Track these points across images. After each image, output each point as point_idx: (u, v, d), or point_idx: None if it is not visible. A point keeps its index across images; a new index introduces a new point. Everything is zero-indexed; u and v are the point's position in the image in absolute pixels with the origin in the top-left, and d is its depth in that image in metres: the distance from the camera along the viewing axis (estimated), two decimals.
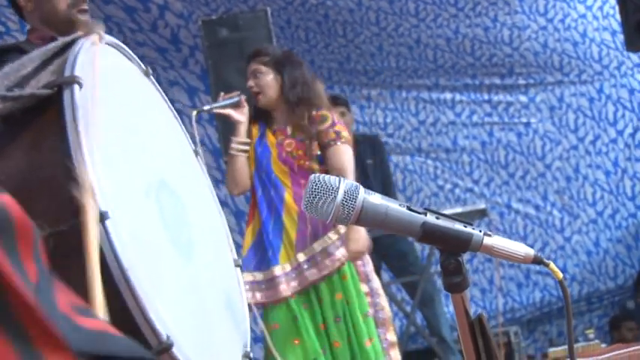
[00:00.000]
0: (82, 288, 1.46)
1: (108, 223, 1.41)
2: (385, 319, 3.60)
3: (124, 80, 1.84)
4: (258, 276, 3.52)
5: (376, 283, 3.65)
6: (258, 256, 3.55)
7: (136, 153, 1.72)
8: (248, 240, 3.62)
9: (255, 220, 3.62)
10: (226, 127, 4.15)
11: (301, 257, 3.48)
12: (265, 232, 3.56)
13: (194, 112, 3.38)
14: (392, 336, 3.63)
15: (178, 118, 2.11)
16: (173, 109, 2.09)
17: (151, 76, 1.97)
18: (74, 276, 1.46)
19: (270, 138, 3.64)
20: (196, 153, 2.17)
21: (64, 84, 1.52)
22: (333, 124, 3.58)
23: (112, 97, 1.70)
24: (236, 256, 2.21)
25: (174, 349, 1.48)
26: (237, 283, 2.17)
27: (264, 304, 3.54)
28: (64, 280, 1.44)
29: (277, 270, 3.49)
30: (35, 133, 1.55)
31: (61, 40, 1.69)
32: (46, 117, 1.55)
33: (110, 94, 1.68)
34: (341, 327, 3.48)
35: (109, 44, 1.78)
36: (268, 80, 3.60)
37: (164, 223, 1.70)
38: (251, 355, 2.01)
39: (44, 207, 1.46)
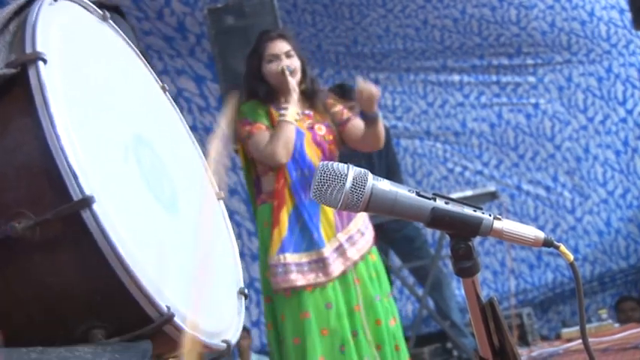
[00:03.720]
0: (73, 273, 1.47)
1: (95, 207, 1.40)
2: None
3: (84, 37, 1.78)
4: (302, 257, 3.48)
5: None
6: (297, 238, 3.50)
7: (109, 115, 1.68)
8: (284, 224, 3.53)
9: (289, 202, 3.58)
10: None
11: (342, 237, 3.51)
12: (306, 213, 3.53)
13: (284, 67, 3.52)
14: None
15: (142, 58, 2.05)
16: (135, 48, 2.03)
17: (109, 21, 1.91)
18: (64, 265, 1.47)
19: (298, 122, 3.64)
20: (164, 89, 2.13)
21: (27, 62, 1.47)
22: (343, 108, 3.66)
23: (76, 61, 1.65)
24: (218, 190, 2.17)
25: (176, 319, 1.49)
26: (222, 218, 2.15)
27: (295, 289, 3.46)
28: (54, 269, 1.45)
29: (326, 251, 3.47)
30: (4, 116, 1.50)
31: (15, 3, 1.62)
32: (12, 98, 1.50)
33: (73, 58, 1.63)
34: (380, 305, 3.53)
35: None
36: (298, 65, 3.62)
37: (147, 184, 1.68)
38: (245, 291, 2.01)
39: (25, 194, 1.44)
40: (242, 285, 2.01)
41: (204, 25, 5.73)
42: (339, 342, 3.42)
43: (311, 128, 3.62)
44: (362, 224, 3.58)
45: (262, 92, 3.62)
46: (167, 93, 2.12)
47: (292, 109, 3.52)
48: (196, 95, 6.49)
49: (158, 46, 6.22)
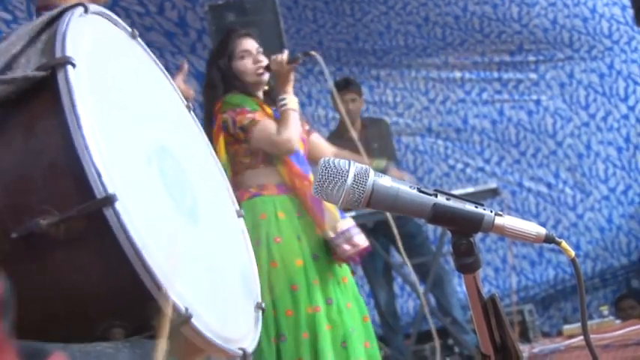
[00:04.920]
0: (95, 271, 1.48)
1: (117, 205, 1.42)
2: None
3: (112, 49, 1.83)
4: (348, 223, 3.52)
5: None
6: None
7: (133, 123, 1.72)
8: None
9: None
10: None
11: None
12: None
13: (313, 53, 3.58)
14: None
15: (169, 77, 2.10)
16: (163, 68, 2.07)
17: (138, 38, 1.95)
18: (87, 263, 1.48)
19: None
20: (189, 108, 2.16)
21: (57, 65, 1.51)
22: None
23: (104, 68, 1.69)
24: (238, 207, 2.22)
25: (194, 320, 1.50)
26: (242, 233, 2.18)
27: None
28: (77, 266, 1.46)
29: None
30: (31, 118, 1.54)
31: (48, 14, 1.67)
32: (41, 100, 1.54)
33: (101, 65, 1.67)
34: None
35: (94, 13, 1.76)
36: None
37: (168, 191, 1.71)
38: (263, 305, 2.03)
39: (50, 193, 1.47)
40: (259, 300, 2.03)
41: (204, 21, 5.73)
42: (341, 338, 3.42)
43: None
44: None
45: (241, 87, 3.60)
46: (192, 112, 2.16)
47: (294, 98, 3.54)
48: (197, 92, 6.49)
49: (159, 43, 6.22)
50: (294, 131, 3.46)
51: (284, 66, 3.52)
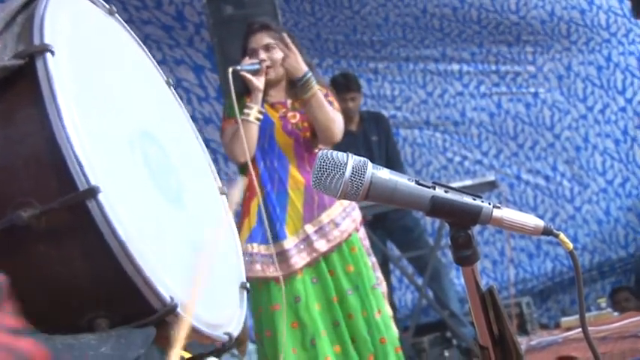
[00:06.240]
0: (78, 263, 1.47)
1: (100, 197, 1.41)
2: (384, 292, 3.68)
3: (91, 30, 1.79)
4: (266, 249, 3.50)
5: (374, 257, 3.75)
6: (263, 230, 3.53)
7: (115, 109, 1.70)
8: (253, 215, 3.57)
9: (259, 193, 3.59)
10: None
11: (309, 229, 3.50)
12: (271, 205, 3.54)
13: (230, 70, 3.43)
14: (389, 309, 3.72)
15: (147, 52, 2.08)
16: (141, 43, 2.04)
17: (116, 15, 1.92)
18: (70, 254, 1.47)
19: (270, 111, 3.63)
20: (169, 84, 2.14)
21: (35, 53, 1.48)
22: (327, 95, 3.61)
23: (83, 53, 1.66)
24: (220, 184, 2.21)
25: (179, 309, 1.50)
26: (224, 212, 2.17)
27: (274, 279, 3.50)
28: (59, 258, 1.45)
29: (287, 243, 3.49)
30: (10, 108, 1.51)
31: None
32: (19, 89, 1.51)
33: (81, 50, 1.64)
34: (353, 299, 3.52)
35: None
36: (278, 57, 3.57)
37: (153, 178, 1.70)
38: (247, 285, 2.03)
39: (31, 184, 1.45)
40: (244, 279, 2.02)
41: (202, 14, 5.71)
42: (310, 336, 3.43)
43: (283, 117, 3.62)
44: (338, 215, 3.55)
45: (242, 87, 3.58)
46: (172, 87, 2.14)
47: (255, 108, 3.51)
48: (195, 85, 6.49)
49: (157, 36, 6.21)
50: (239, 144, 3.48)
51: (243, 76, 3.52)
